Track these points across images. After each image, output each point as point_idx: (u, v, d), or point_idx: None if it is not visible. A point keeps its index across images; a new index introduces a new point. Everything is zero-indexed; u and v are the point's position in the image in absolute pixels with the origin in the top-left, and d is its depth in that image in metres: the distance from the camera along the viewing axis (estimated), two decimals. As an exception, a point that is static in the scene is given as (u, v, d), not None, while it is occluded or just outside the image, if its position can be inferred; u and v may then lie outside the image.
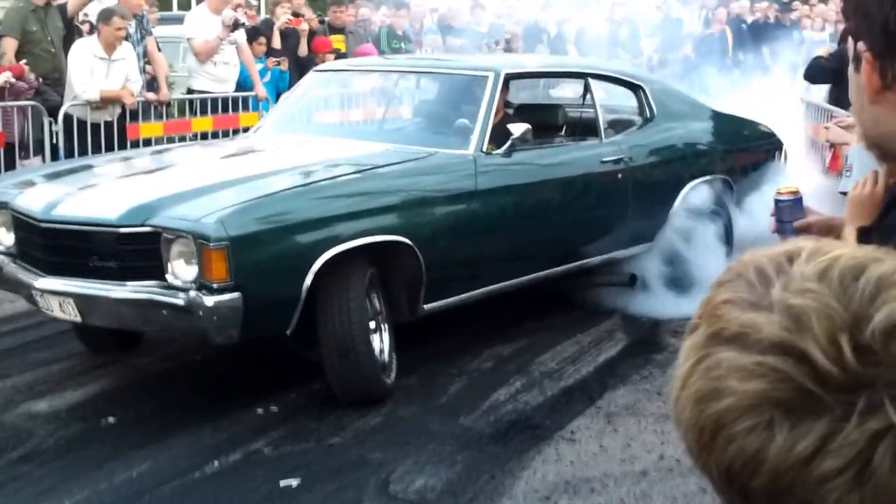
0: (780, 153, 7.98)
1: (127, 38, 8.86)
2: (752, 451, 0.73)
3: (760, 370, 0.73)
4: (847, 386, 0.70)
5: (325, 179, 5.57)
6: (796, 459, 0.71)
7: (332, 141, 6.65)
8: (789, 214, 2.52)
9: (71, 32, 9.14)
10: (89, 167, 6.49)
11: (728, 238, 7.34)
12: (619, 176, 6.72)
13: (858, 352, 0.71)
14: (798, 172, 8.40)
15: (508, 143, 6.04)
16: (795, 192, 2.56)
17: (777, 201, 2.57)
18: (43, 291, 5.26)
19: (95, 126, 8.61)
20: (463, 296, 5.93)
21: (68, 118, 8.53)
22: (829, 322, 0.72)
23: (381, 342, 5.46)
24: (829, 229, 2.37)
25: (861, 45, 1.33)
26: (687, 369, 0.79)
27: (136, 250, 5.06)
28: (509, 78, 6.48)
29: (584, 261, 6.67)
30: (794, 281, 0.76)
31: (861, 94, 1.37)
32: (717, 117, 7.69)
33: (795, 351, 0.72)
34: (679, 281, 6.95)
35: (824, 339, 0.71)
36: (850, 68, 1.39)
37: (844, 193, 4.27)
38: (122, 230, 5.06)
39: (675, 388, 0.80)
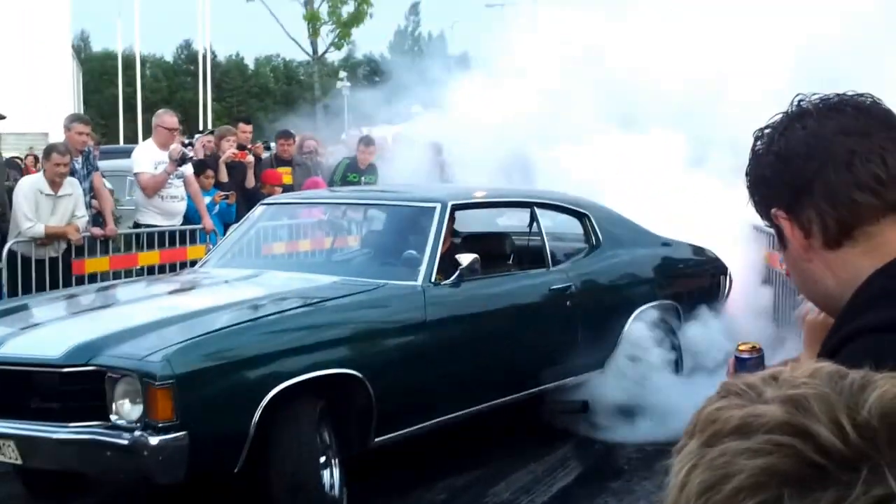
0: (725, 277, 8.09)
1: (73, 173, 8.85)
2: None
3: (768, 447, 0.75)
4: (850, 459, 0.74)
5: (272, 314, 5.55)
6: None
7: (280, 274, 6.64)
8: (753, 371, 2.47)
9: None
10: (32, 306, 6.42)
11: (677, 362, 7.36)
12: (568, 304, 6.76)
13: (859, 429, 0.75)
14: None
15: (457, 273, 6.06)
16: (758, 349, 2.53)
17: (741, 359, 2.52)
18: (-18, 434, 5.12)
19: (40, 262, 8.51)
20: (414, 427, 5.87)
21: (12, 255, 8.44)
22: (828, 405, 0.77)
23: (331, 477, 5.36)
24: None
25: (774, 211, 1.44)
26: (686, 471, 0.79)
27: (80, 390, 4.97)
28: (456, 208, 6.55)
29: (536, 388, 6.65)
30: (786, 382, 0.81)
31: (797, 264, 1.48)
32: (662, 243, 7.80)
33: (800, 429, 0.75)
34: (631, 406, 6.94)
35: (826, 419, 0.76)
36: (782, 254, 1.51)
37: None
38: (65, 370, 4.98)
39: (672, 493, 0.79)
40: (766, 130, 1.48)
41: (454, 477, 6.22)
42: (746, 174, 1.52)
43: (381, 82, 16.65)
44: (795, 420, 0.76)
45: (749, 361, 2.52)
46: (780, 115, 1.48)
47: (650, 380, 6.96)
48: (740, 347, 2.60)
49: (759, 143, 1.48)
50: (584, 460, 6.58)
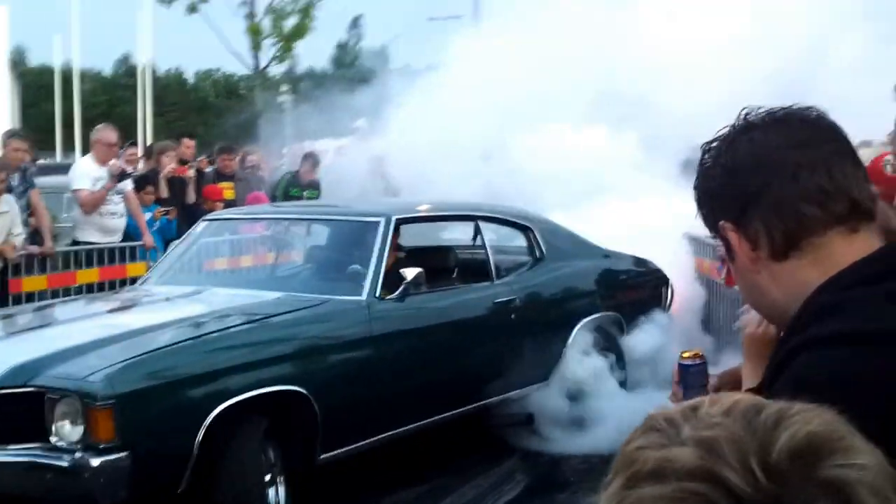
0: (667, 288, 8.17)
1: (10, 190, 8.70)
2: None
3: (681, 495, 0.76)
4: (761, 503, 0.74)
5: (215, 331, 5.50)
6: None
7: (222, 290, 6.58)
8: (697, 379, 2.52)
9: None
10: (-32, 325, 6.29)
11: (621, 373, 7.40)
12: (513, 316, 6.77)
13: (769, 472, 0.76)
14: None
15: (402, 287, 6.04)
16: (701, 356, 2.55)
17: (684, 366, 2.53)
18: (-84, 459, 5.00)
19: (-25, 281, 8.37)
20: (361, 444, 5.84)
21: (-53, 274, 8.28)
22: (739, 448, 0.77)
23: (276, 495, 5.32)
24: (739, 381, 2.39)
25: (722, 224, 1.45)
26: None
27: (18, 412, 4.87)
28: (400, 223, 6.54)
29: (482, 402, 6.65)
30: (702, 420, 0.82)
31: (744, 275, 1.49)
32: (604, 255, 7.85)
33: (712, 475, 0.76)
34: (576, 418, 6.96)
35: (737, 463, 0.76)
36: (730, 266, 1.52)
37: None
38: (3, 391, 4.88)
39: None
40: (713, 143, 1.49)
41: (400, 492, 6.18)
42: (695, 187, 1.54)
43: (323, 96, 16.62)
44: (707, 465, 0.77)
45: (692, 368, 2.55)
46: (727, 128, 1.49)
47: (595, 391, 6.99)
48: (684, 355, 2.62)
49: (706, 156, 1.50)
50: (531, 473, 6.59)
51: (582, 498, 6.10)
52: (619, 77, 10.20)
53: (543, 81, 10.53)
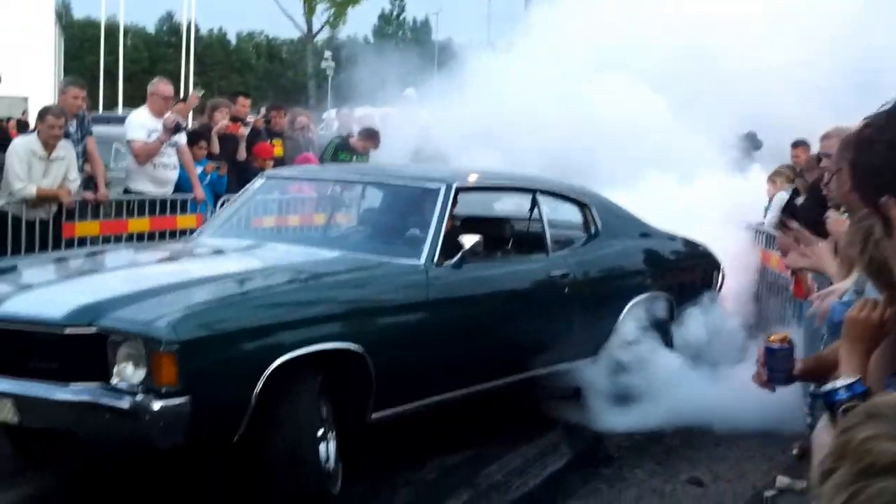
0: (718, 272, 8.14)
1: (67, 136, 8.77)
2: None
3: None
4: None
5: (276, 285, 5.55)
6: None
7: (282, 246, 6.63)
8: (783, 363, 2.51)
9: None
10: (25, 267, 6.36)
11: (668, 352, 7.38)
12: (566, 290, 6.78)
13: None
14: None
15: (459, 254, 6.05)
16: (788, 341, 2.54)
17: (771, 349, 2.52)
18: (-21, 392, 5.07)
19: (30, 224, 8.45)
20: (411, 405, 5.88)
21: (2, 215, 8.36)
22: None
23: (326, 451, 5.35)
24: (824, 367, 2.36)
25: (884, 200, 1.43)
26: (843, 502, 0.79)
27: (80, 351, 4.92)
28: (460, 190, 6.54)
29: (531, 372, 6.67)
30: None
31: None
32: (659, 235, 7.83)
33: None
34: (622, 395, 6.97)
35: None
36: (883, 241, 1.49)
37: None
38: (68, 331, 4.93)
39: None
40: (875, 119, 1.48)
41: (446, 457, 6.22)
42: (852, 163, 1.52)
43: (367, 64, 16.62)
44: None
45: (779, 352, 2.55)
46: (889, 104, 1.47)
47: (642, 369, 6.99)
48: (771, 338, 2.62)
49: (867, 130, 1.48)
50: (575, 446, 6.60)
51: (627, 473, 6.12)
52: (681, 43, 10.16)
53: (606, 48, 10.50)
